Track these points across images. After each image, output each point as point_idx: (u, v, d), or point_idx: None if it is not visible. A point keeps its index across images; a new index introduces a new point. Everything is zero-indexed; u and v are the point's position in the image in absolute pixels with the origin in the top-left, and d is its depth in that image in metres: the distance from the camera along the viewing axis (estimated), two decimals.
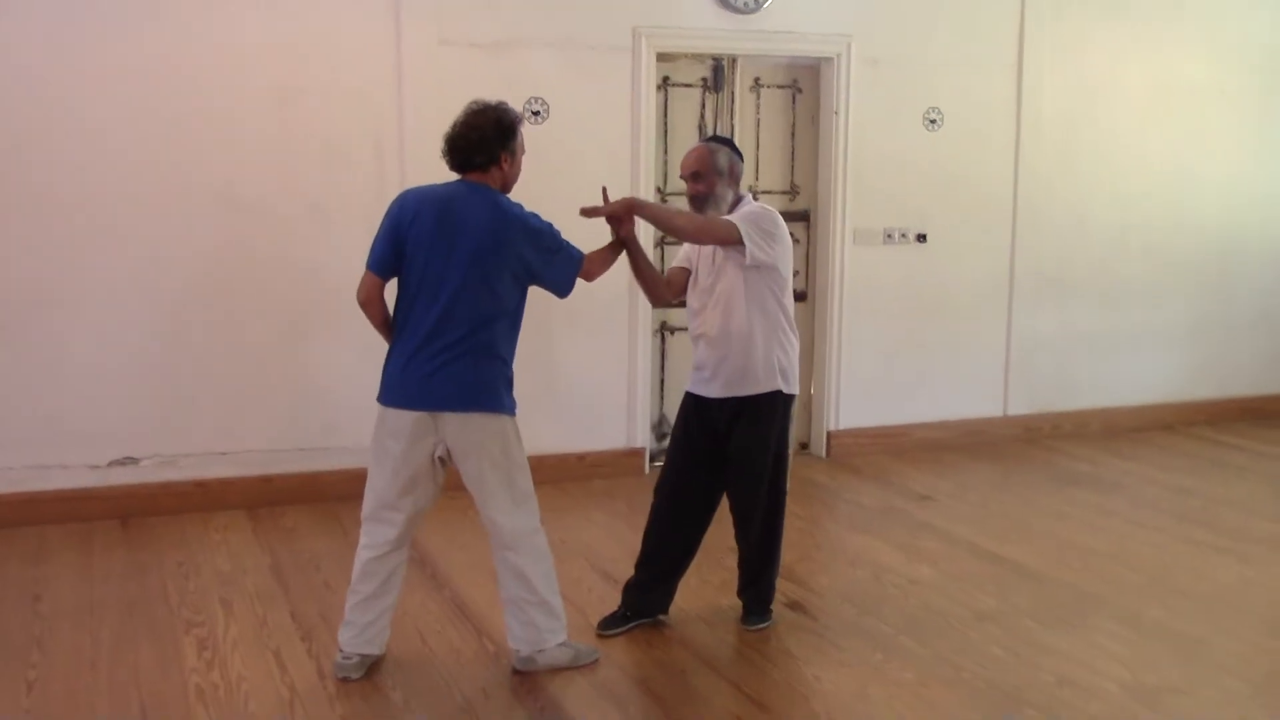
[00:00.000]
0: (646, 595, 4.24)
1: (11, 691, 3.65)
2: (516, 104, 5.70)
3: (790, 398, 4.13)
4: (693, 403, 4.18)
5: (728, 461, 4.15)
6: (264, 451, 5.64)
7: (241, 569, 4.79)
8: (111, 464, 5.41)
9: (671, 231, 4.10)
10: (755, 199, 4.21)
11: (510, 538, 3.73)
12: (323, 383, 5.67)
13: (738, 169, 4.10)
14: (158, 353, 5.43)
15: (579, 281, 3.83)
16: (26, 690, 3.67)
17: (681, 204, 4.23)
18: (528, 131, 3.83)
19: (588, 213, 3.82)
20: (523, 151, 3.76)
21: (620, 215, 3.87)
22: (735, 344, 4.01)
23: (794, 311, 4.17)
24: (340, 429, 5.68)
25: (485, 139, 3.62)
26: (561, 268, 3.74)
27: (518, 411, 3.75)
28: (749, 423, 4.07)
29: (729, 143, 4.18)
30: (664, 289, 4.18)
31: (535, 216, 3.71)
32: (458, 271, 3.58)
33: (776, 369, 4.06)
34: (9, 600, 4.42)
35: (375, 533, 3.76)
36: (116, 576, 4.69)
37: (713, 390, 4.09)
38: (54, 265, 5.23)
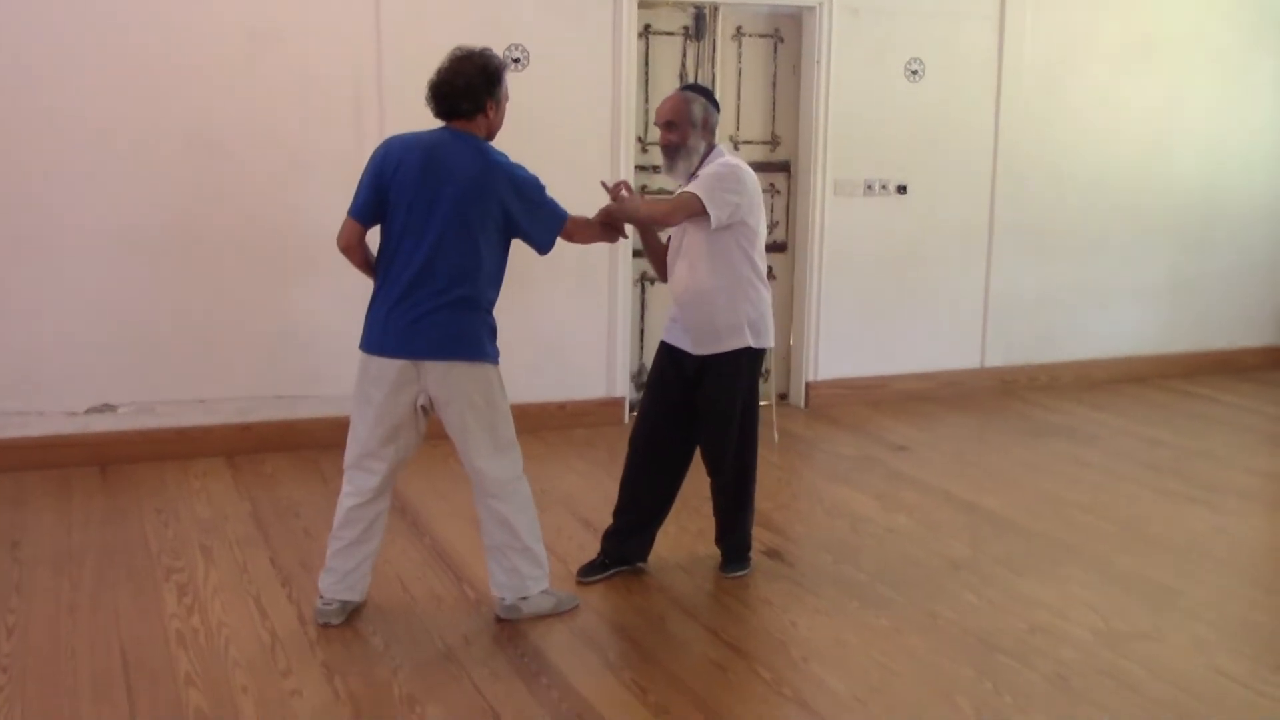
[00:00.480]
0: (625, 543, 4.27)
1: None
2: (496, 50, 5.66)
3: (760, 351, 4.13)
4: (666, 352, 4.19)
5: (700, 415, 4.17)
6: (243, 399, 5.63)
7: (221, 516, 4.80)
8: (89, 411, 5.39)
9: (648, 224, 4.07)
10: (736, 149, 4.20)
11: (494, 485, 3.74)
12: (301, 330, 5.65)
13: (712, 120, 4.07)
14: (134, 300, 5.39)
15: (560, 241, 3.81)
16: (6, 635, 3.68)
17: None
18: (508, 79, 3.79)
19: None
20: (507, 99, 3.73)
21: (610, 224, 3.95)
22: (701, 301, 4.02)
23: (765, 263, 4.16)
24: (319, 376, 5.68)
25: (471, 85, 3.58)
26: (545, 222, 3.72)
27: (500, 361, 3.75)
28: (715, 378, 4.09)
29: (706, 92, 4.14)
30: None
31: (521, 168, 3.68)
32: (440, 220, 3.56)
33: (744, 325, 4.05)
34: None
35: (357, 480, 3.76)
36: (96, 523, 4.69)
37: (684, 343, 4.11)
38: (29, 213, 5.17)
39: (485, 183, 3.57)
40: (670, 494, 4.30)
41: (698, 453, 4.27)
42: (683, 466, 4.29)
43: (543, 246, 3.78)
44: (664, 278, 4.23)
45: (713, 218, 3.89)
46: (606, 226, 3.94)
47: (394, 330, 3.62)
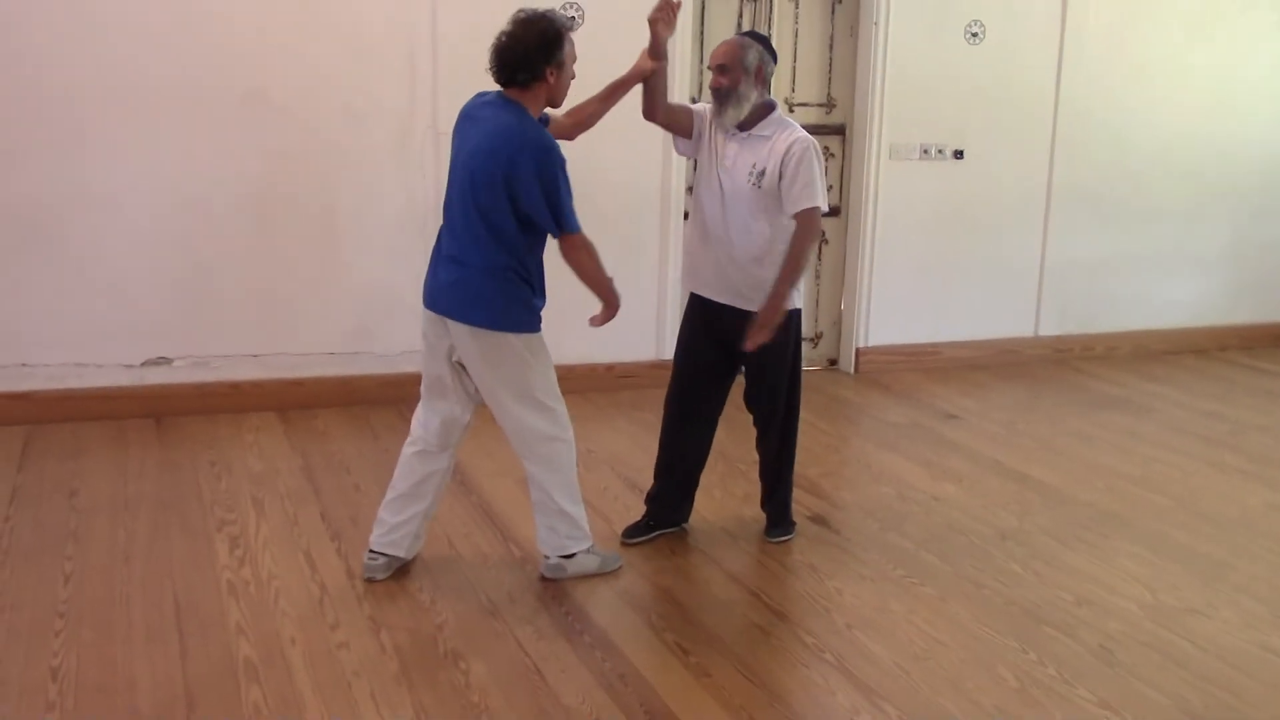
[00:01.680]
0: (669, 504, 4.29)
1: (49, 583, 3.74)
2: (551, 8, 5.64)
3: (798, 312, 4.11)
4: (700, 305, 4.14)
5: (749, 375, 4.16)
6: (296, 354, 5.69)
7: (273, 469, 4.86)
8: (145, 364, 5.48)
9: (797, 279, 3.95)
10: (791, 111, 4.15)
11: (521, 446, 3.77)
12: (355, 286, 5.69)
13: (767, 69, 3.96)
14: (190, 254, 5.45)
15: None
16: (64, 581, 3.76)
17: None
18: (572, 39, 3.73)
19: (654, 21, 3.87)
20: (573, 60, 3.64)
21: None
22: (754, 256, 3.96)
23: None
24: (372, 334, 5.72)
25: (528, 54, 3.51)
26: (541, 203, 3.52)
27: (541, 326, 3.72)
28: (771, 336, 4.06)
29: (764, 40, 4.03)
30: (661, 112, 4.03)
31: (551, 156, 3.50)
32: (460, 185, 3.58)
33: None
34: (46, 494, 4.51)
35: (415, 428, 3.85)
36: (151, 474, 4.77)
37: (722, 295, 4.04)
38: (88, 168, 5.24)
39: (497, 150, 3.48)
40: (706, 450, 4.30)
41: (734, 413, 4.24)
42: (716, 422, 4.28)
43: (540, 225, 3.60)
44: (645, 110, 4.03)
45: (816, 206, 3.88)
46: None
47: (432, 283, 3.70)
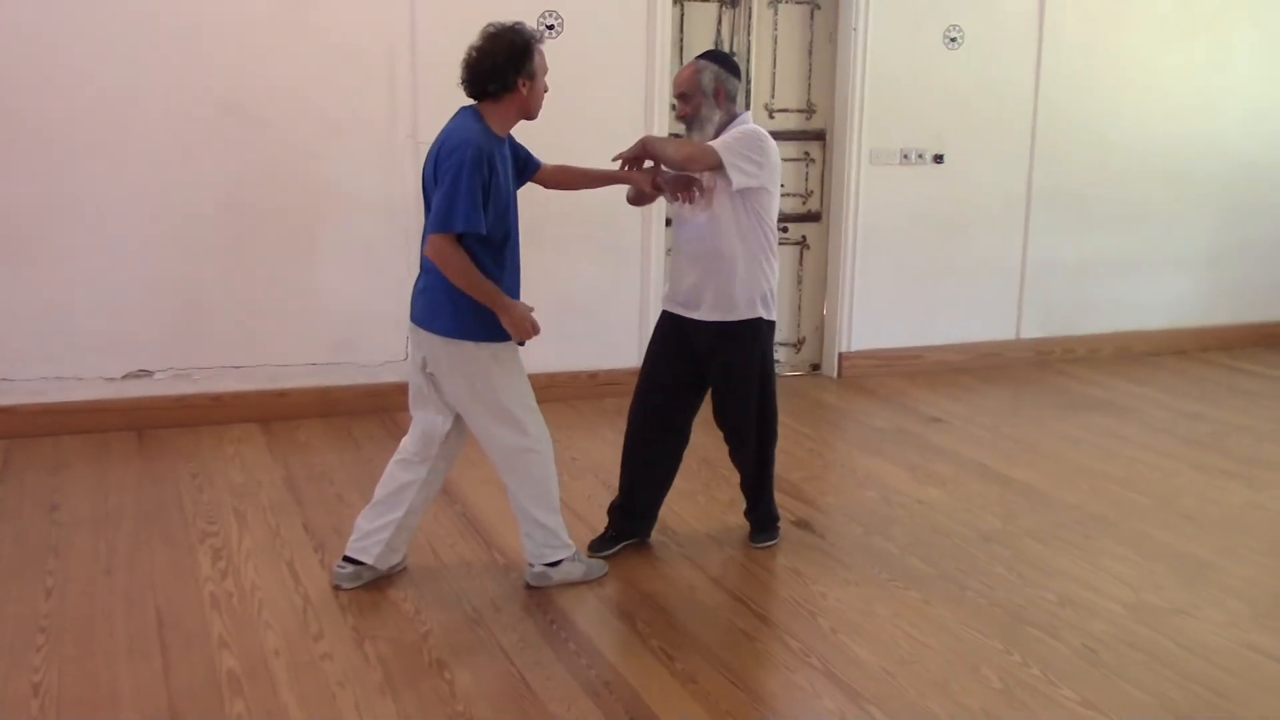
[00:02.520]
0: (633, 518, 4.26)
1: (31, 597, 3.72)
2: (531, 17, 5.65)
3: (771, 324, 4.10)
4: (671, 322, 4.13)
5: (715, 389, 4.16)
6: (277, 366, 5.67)
7: (255, 481, 4.84)
8: (126, 376, 5.45)
9: (664, 163, 3.97)
10: (772, 118, 4.15)
11: (494, 457, 3.78)
12: (335, 297, 5.68)
13: (726, 87, 3.96)
14: (171, 266, 5.43)
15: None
16: (45, 596, 3.73)
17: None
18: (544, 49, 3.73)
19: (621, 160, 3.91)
20: (545, 71, 3.64)
21: (640, 156, 3.91)
22: (721, 267, 3.96)
23: (776, 234, 4.09)
24: (353, 344, 5.71)
25: (497, 66, 3.51)
26: (439, 197, 3.45)
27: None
28: (732, 349, 4.05)
29: (721, 58, 4.03)
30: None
31: (462, 152, 3.43)
32: (427, 196, 3.61)
33: (758, 296, 4.02)
34: (27, 509, 4.48)
35: (404, 437, 3.86)
36: (132, 487, 4.74)
37: (694, 313, 4.03)
38: (67, 179, 5.22)
39: (434, 161, 3.53)
40: (676, 465, 4.28)
41: (701, 425, 4.24)
42: (686, 437, 4.26)
43: (430, 225, 3.49)
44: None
45: (732, 178, 3.84)
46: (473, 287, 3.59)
47: (412, 295, 3.74)
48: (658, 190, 3.97)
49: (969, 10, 6.67)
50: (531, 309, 3.63)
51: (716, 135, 3.95)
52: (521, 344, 3.70)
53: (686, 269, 4.04)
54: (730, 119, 3.99)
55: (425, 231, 3.54)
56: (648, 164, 3.97)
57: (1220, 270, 7.73)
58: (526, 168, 3.82)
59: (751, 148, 3.87)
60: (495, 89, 3.54)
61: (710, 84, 3.93)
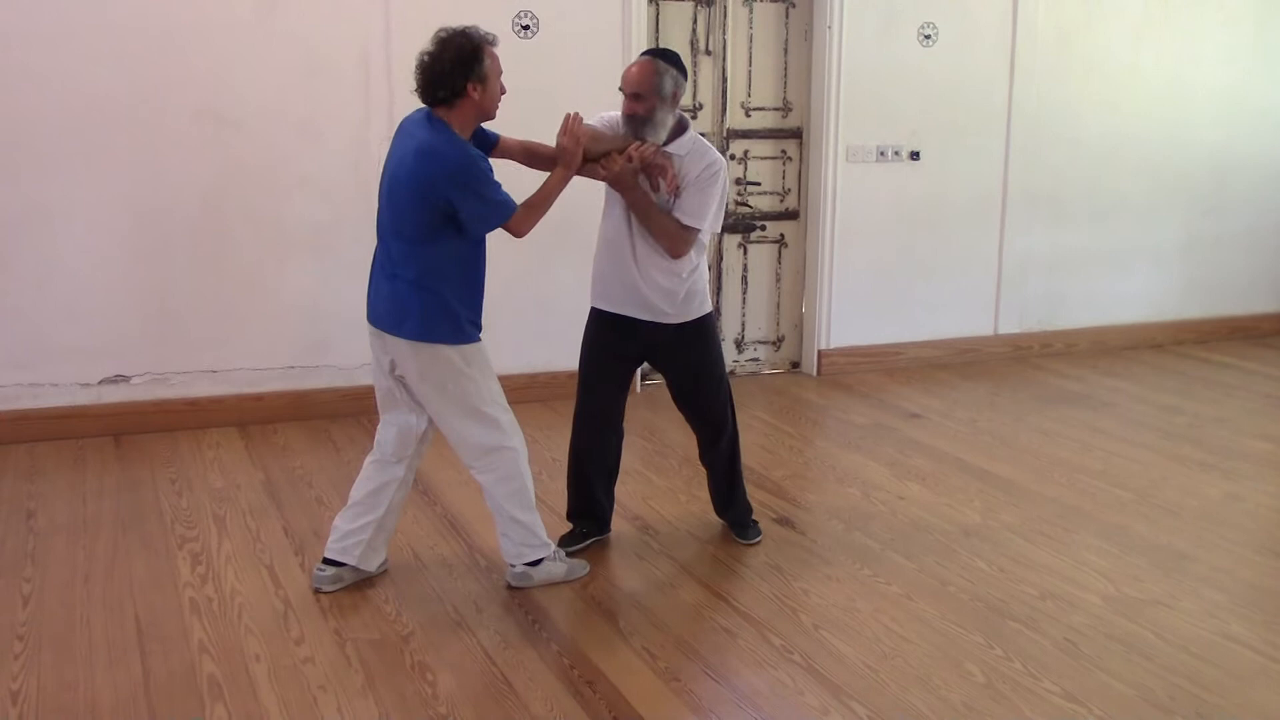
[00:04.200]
0: (596, 513, 4.27)
1: (8, 605, 3.69)
2: (505, 18, 5.65)
3: (713, 314, 4.19)
4: (607, 320, 4.09)
5: (680, 388, 4.19)
6: (254, 369, 5.64)
7: (234, 485, 4.82)
8: (103, 382, 5.41)
9: (646, 227, 3.92)
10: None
11: (466, 457, 3.78)
12: (312, 301, 5.66)
13: (681, 92, 3.93)
14: (147, 271, 5.40)
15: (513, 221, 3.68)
16: (22, 604, 3.70)
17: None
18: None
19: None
20: (498, 73, 3.59)
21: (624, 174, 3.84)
22: (660, 268, 3.95)
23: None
24: (330, 347, 5.69)
25: (445, 73, 3.49)
26: (480, 213, 3.54)
27: (480, 337, 3.69)
28: (695, 344, 4.09)
29: (677, 61, 3.95)
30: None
31: (459, 152, 3.49)
32: (385, 201, 3.62)
33: (700, 292, 4.06)
34: (3, 516, 4.44)
35: (377, 438, 3.86)
36: (110, 493, 4.71)
37: (629, 310, 4.02)
38: (41, 185, 5.18)
39: (416, 168, 3.49)
40: (619, 455, 4.29)
41: (680, 424, 4.25)
42: (622, 429, 4.28)
43: (473, 229, 3.59)
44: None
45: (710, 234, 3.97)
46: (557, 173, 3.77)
47: (372, 299, 3.73)
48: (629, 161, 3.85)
49: (943, 8, 6.69)
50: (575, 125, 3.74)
51: (666, 142, 3.91)
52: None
53: (623, 270, 3.99)
54: (678, 125, 3.95)
55: (502, 223, 3.58)
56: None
57: (1194, 264, 7.79)
58: (484, 145, 3.78)
59: (715, 196, 3.92)
60: (445, 94, 3.52)
61: (670, 89, 3.86)
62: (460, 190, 3.49)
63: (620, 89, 3.93)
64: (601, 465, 4.24)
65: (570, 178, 3.78)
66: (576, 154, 3.75)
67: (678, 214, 3.89)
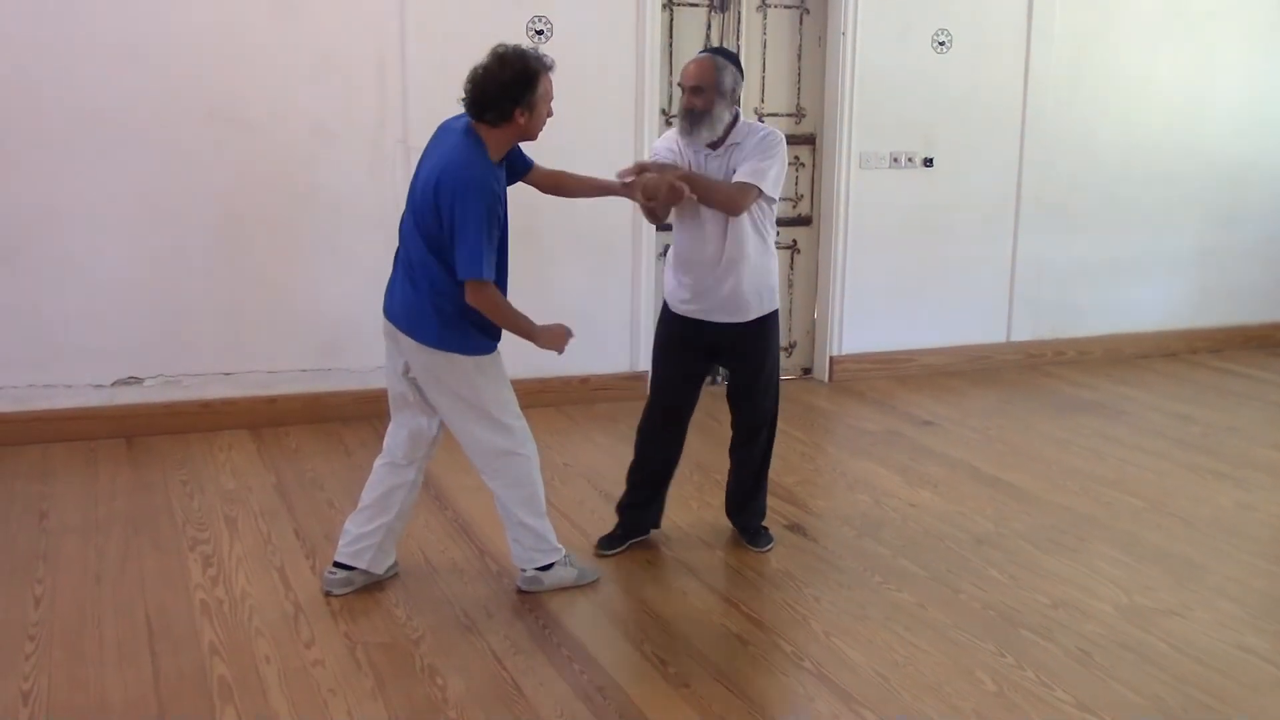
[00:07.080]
0: (643, 514, 4.30)
1: (20, 605, 3.70)
2: (520, 23, 5.65)
3: (777, 313, 4.19)
4: (680, 322, 4.13)
5: (739, 386, 4.20)
6: (267, 372, 5.65)
7: (246, 487, 4.82)
8: (116, 384, 5.43)
9: (705, 202, 3.92)
10: (761, 120, 4.16)
11: (478, 462, 3.78)
12: (325, 303, 5.66)
13: (739, 89, 3.98)
14: (161, 273, 5.41)
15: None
16: (34, 604, 3.71)
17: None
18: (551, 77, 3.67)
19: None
20: (549, 99, 3.56)
21: (674, 195, 3.82)
22: (734, 269, 3.97)
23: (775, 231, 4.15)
24: (343, 350, 5.70)
25: (495, 96, 3.45)
26: (456, 255, 3.46)
27: (497, 345, 3.69)
28: (754, 345, 4.10)
29: (735, 59, 4.03)
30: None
31: (470, 192, 3.41)
32: (409, 206, 3.61)
33: (769, 290, 4.08)
34: (15, 516, 4.46)
35: (386, 440, 3.86)
36: (122, 494, 4.72)
37: (714, 315, 4.05)
38: (56, 186, 5.19)
39: (436, 180, 3.47)
40: (677, 459, 4.32)
41: (708, 422, 4.25)
42: (687, 428, 4.30)
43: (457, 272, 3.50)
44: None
45: (773, 197, 3.95)
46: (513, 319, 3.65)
47: (389, 295, 3.72)
48: (671, 198, 3.86)
49: (957, 14, 6.68)
50: (563, 327, 3.74)
51: (725, 135, 3.95)
52: (561, 352, 3.78)
53: (702, 275, 4.02)
54: (734, 120, 3.99)
55: (457, 268, 3.46)
56: (649, 175, 3.90)
57: (1209, 272, 7.75)
58: (516, 168, 3.78)
59: (780, 158, 3.93)
60: (493, 117, 3.49)
61: (730, 85, 3.91)
62: (447, 208, 3.44)
63: (679, 84, 3.98)
64: (652, 467, 4.27)
65: (536, 341, 3.71)
66: (561, 335, 3.75)
67: (738, 177, 3.90)
